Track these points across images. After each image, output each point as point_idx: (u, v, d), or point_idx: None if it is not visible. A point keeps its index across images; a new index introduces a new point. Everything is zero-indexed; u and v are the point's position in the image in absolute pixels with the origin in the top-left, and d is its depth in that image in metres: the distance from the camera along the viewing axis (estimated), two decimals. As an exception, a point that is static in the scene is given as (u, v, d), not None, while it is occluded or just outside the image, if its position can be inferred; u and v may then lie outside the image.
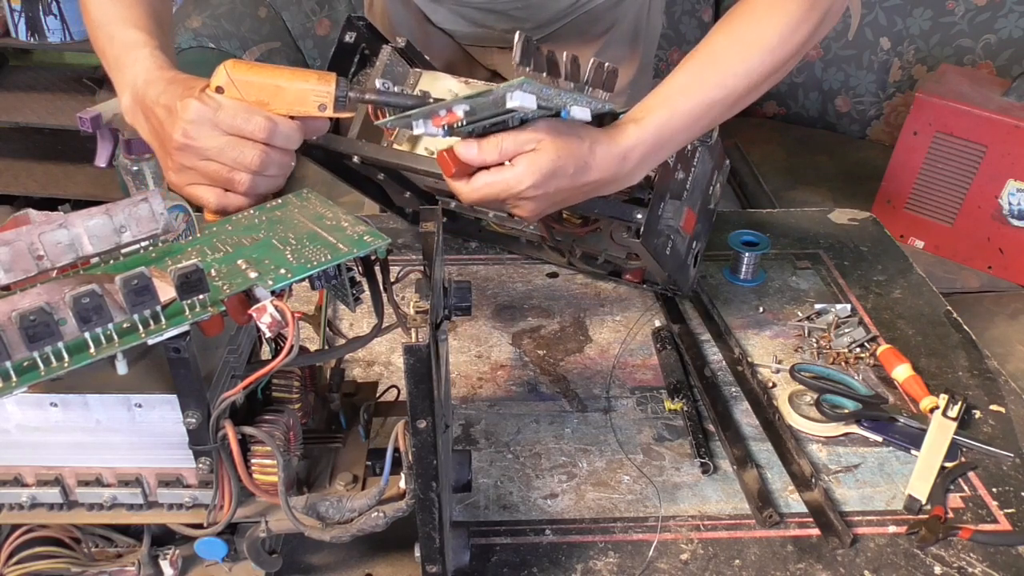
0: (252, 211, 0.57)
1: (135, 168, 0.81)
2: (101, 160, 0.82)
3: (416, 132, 0.65)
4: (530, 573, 0.64)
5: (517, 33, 0.63)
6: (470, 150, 0.65)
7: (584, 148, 0.66)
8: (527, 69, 0.64)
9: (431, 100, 0.68)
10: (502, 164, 0.66)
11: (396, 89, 0.71)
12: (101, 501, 0.52)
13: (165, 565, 0.55)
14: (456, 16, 1.05)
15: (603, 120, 0.72)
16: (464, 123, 0.63)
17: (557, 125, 0.66)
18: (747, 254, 0.99)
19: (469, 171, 0.67)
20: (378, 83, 0.71)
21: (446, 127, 0.63)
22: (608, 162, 0.68)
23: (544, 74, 0.65)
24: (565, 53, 0.66)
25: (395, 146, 0.83)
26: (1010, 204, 1.66)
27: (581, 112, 0.66)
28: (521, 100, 0.60)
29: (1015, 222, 1.67)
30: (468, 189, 0.67)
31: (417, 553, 0.54)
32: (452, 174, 0.67)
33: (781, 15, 0.72)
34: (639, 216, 0.76)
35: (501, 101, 0.60)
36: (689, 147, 0.81)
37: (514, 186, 0.65)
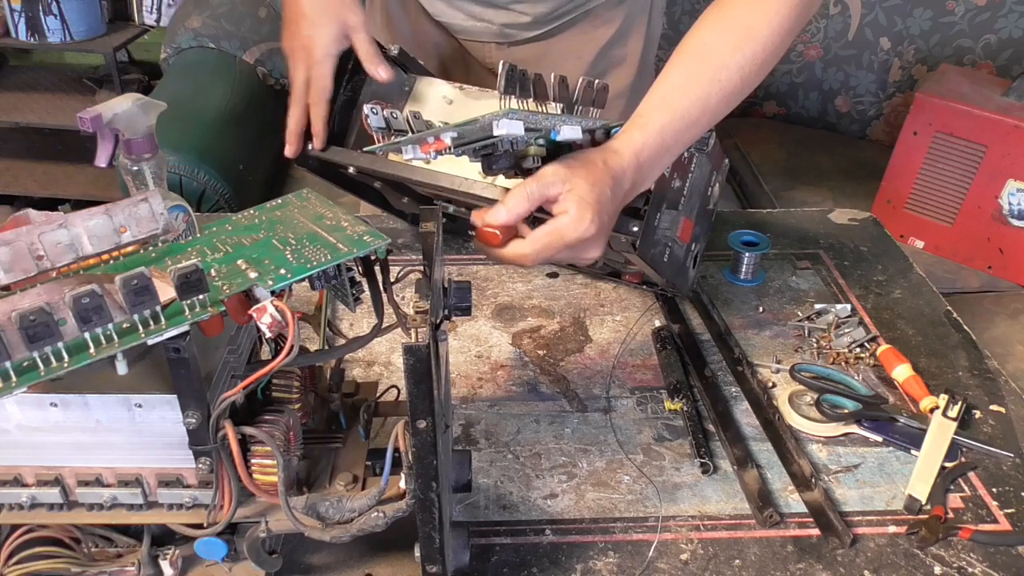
0: (252, 211, 0.57)
1: (135, 168, 0.80)
2: (101, 160, 0.82)
3: (406, 158, 0.66)
4: (530, 573, 0.64)
5: (501, 63, 0.64)
6: (499, 216, 0.65)
7: (602, 165, 0.67)
8: (512, 97, 0.64)
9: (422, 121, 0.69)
10: (543, 216, 0.65)
11: (386, 114, 0.72)
12: (101, 501, 0.52)
13: (165, 565, 0.55)
14: (454, 10, 1.05)
15: (595, 135, 0.72)
16: (452, 148, 0.63)
17: (566, 161, 0.66)
18: (747, 254, 0.99)
19: (513, 233, 0.66)
20: (366, 108, 0.71)
21: (434, 153, 0.64)
22: (626, 169, 0.68)
23: (531, 99, 0.66)
24: (553, 74, 0.67)
25: (391, 158, 0.83)
26: (1010, 204, 1.66)
27: (571, 131, 0.67)
28: (508, 128, 0.60)
29: (1015, 222, 1.67)
30: (530, 249, 0.65)
31: (417, 553, 0.54)
32: (501, 243, 0.66)
33: (769, 3, 0.72)
34: (635, 229, 0.76)
35: (488, 128, 0.61)
36: (685, 154, 0.81)
37: (577, 225, 0.64)
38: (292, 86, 0.84)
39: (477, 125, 0.61)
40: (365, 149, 0.72)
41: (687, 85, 0.71)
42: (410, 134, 0.71)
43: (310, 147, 0.84)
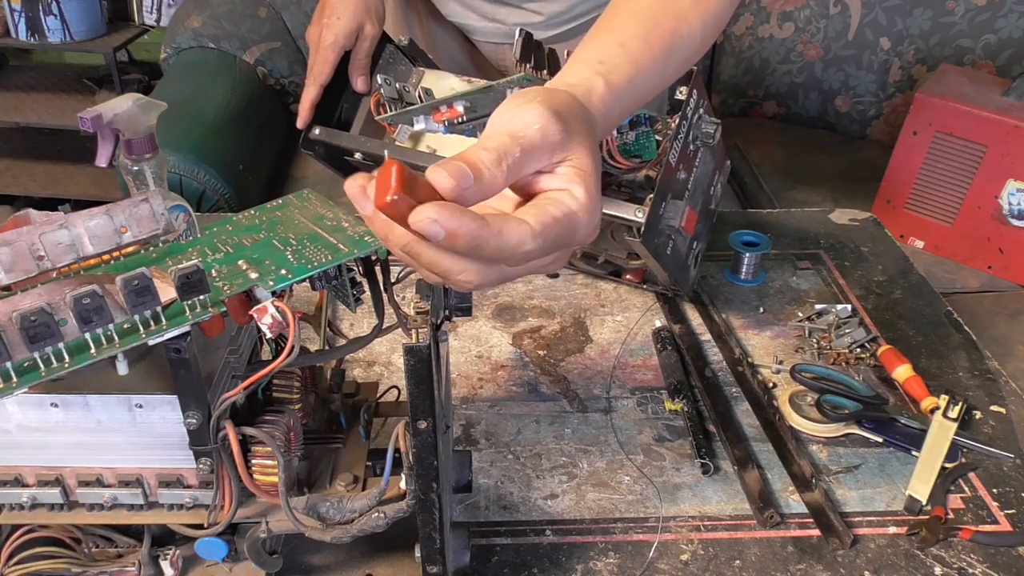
0: (252, 211, 0.57)
1: (135, 168, 0.80)
2: (101, 160, 0.82)
3: (416, 128, 0.66)
4: (530, 574, 0.64)
5: (517, 30, 0.63)
6: (461, 180, 0.41)
7: (590, 121, 0.52)
8: (527, 66, 0.64)
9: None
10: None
11: (397, 86, 0.71)
12: (102, 501, 0.52)
13: (165, 565, 0.55)
14: (467, 9, 1.05)
15: None
16: (464, 119, 0.63)
17: (544, 105, 0.47)
18: (747, 254, 0.99)
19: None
20: (379, 78, 0.71)
21: (447, 123, 0.63)
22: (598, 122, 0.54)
23: (545, 71, 0.65)
24: (567, 50, 0.66)
25: (397, 143, 0.83)
26: (1010, 204, 1.66)
27: None
28: None
29: (1015, 222, 1.67)
30: (539, 240, 0.43)
31: (417, 554, 0.54)
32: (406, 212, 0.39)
33: None
34: (639, 215, 0.76)
35: (501, 97, 0.60)
36: (692, 147, 0.81)
37: (590, 217, 0.46)
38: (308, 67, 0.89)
39: (491, 94, 0.61)
40: (377, 118, 0.71)
41: (649, 36, 0.58)
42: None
43: (313, 132, 0.84)
